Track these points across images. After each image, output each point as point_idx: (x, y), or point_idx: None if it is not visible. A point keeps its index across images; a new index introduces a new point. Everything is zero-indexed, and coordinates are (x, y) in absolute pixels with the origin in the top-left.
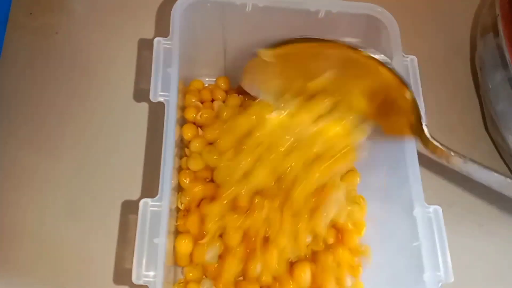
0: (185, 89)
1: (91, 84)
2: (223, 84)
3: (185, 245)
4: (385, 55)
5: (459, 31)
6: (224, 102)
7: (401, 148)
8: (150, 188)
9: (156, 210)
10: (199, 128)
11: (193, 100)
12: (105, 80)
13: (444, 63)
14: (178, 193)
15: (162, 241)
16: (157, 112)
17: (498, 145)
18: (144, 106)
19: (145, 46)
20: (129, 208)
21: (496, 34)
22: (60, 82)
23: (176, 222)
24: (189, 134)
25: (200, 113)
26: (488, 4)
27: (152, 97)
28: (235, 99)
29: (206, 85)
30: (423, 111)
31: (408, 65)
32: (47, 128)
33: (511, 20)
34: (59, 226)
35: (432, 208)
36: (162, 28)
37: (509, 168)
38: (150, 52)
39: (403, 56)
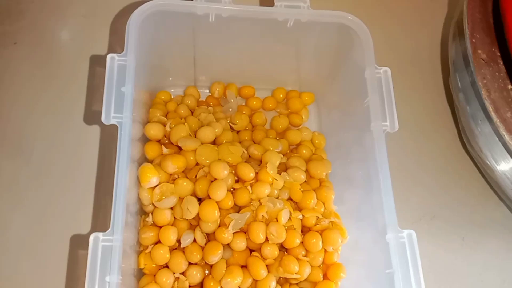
0: (150, 102)
1: (44, 102)
2: (192, 96)
3: None
4: (358, 66)
5: (431, 37)
6: (192, 114)
7: (375, 167)
8: (103, 221)
9: (107, 245)
10: (163, 146)
11: (157, 115)
12: (55, 100)
13: (414, 72)
14: (141, 219)
15: (114, 279)
16: (112, 134)
17: (470, 151)
18: (96, 129)
19: (97, 63)
20: (79, 243)
21: (463, 38)
22: (12, 100)
23: (138, 258)
24: (151, 152)
25: (168, 124)
26: (459, 10)
27: (104, 119)
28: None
29: (174, 96)
30: (396, 122)
31: (381, 77)
32: None
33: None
34: (3, 262)
35: (406, 232)
36: (118, 41)
37: (478, 169)
38: (104, 69)
39: (376, 67)
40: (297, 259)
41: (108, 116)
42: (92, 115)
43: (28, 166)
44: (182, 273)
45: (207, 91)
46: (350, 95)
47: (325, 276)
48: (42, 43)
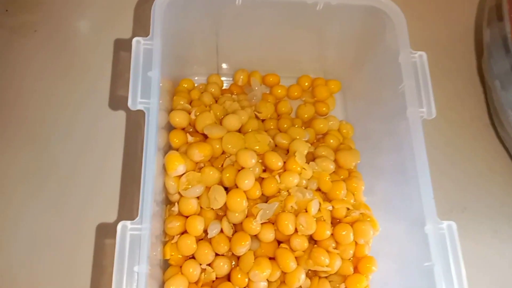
0: (173, 91)
1: (65, 89)
2: (215, 84)
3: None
4: (390, 51)
5: (463, 22)
6: (216, 102)
7: (411, 156)
8: (129, 209)
9: (136, 234)
10: (188, 134)
11: (181, 102)
12: (79, 85)
13: (448, 55)
14: (166, 209)
15: (143, 270)
16: (137, 120)
17: (503, 139)
18: (121, 114)
19: (122, 47)
20: (105, 232)
21: (501, 20)
22: (35, 87)
23: (164, 249)
24: (176, 141)
25: (193, 112)
26: None
27: (130, 105)
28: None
29: (197, 84)
30: (433, 108)
31: (417, 61)
32: (15, 140)
33: None
34: (29, 254)
35: (445, 223)
36: (142, 26)
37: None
38: (128, 54)
39: (411, 52)
40: (327, 251)
41: (135, 102)
42: (117, 101)
43: (51, 154)
44: (209, 264)
45: (231, 79)
46: (381, 82)
47: (355, 270)
48: (62, 30)
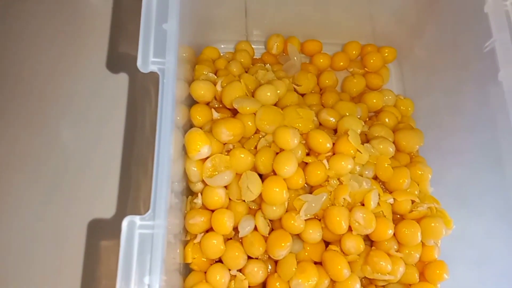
0: (195, 60)
1: (55, 40)
2: (245, 51)
3: None
4: (468, 1)
5: None
6: (247, 72)
7: (507, 131)
8: (133, 202)
9: (146, 233)
10: (213, 109)
11: (205, 72)
12: (71, 41)
13: None
14: (187, 201)
15: (156, 281)
16: (145, 87)
17: None
18: (123, 79)
19: None
20: (101, 231)
21: None
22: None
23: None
24: (199, 117)
25: (219, 83)
26: None
27: (140, 66)
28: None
29: (223, 53)
30: None
31: (509, 10)
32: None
33: None
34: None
35: None
36: None
37: None
38: (135, 1)
39: None
40: (388, 255)
41: (146, 62)
42: (118, 61)
43: (31, 126)
44: (240, 270)
45: (262, 47)
46: (454, 42)
47: (422, 277)
48: None
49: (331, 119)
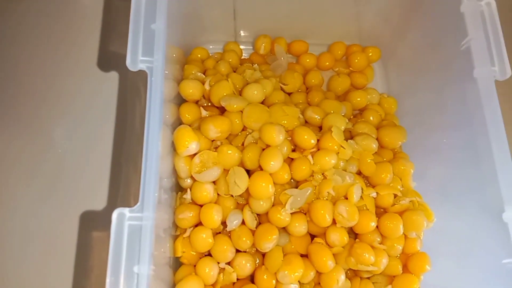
0: (184, 60)
1: (45, 46)
2: (233, 52)
3: None
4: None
5: None
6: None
7: (482, 128)
8: (124, 195)
9: (135, 224)
10: (201, 108)
11: (194, 72)
12: (61, 40)
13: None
14: (177, 196)
15: (145, 270)
16: (135, 85)
17: None
18: (114, 77)
19: None
20: (92, 222)
21: None
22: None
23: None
24: (188, 116)
25: (208, 81)
26: None
27: (129, 64)
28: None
29: (212, 54)
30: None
31: (484, 10)
32: None
33: None
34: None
35: None
36: None
37: None
38: (125, 2)
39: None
40: (372, 247)
41: (135, 60)
42: (109, 59)
43: (24, 122)
44: (228, 263)
45: (250, 47)
46: (434, 41)
47: (405, 269)
48: None
49: (316, 116)
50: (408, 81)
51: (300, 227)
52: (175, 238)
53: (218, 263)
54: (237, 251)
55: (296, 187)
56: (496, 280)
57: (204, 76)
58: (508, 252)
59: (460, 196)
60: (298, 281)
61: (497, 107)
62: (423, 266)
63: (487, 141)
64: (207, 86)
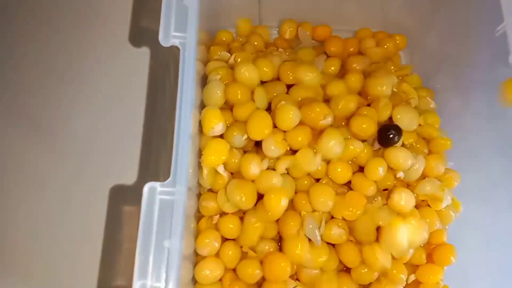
0: (209, 43)
1: (74, 18)
2: (259, 34)
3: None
4: None
5: None
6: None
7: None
8: (154, 168)
9: (168, 198)
10: None
11: (220, 53)
12: (89, 15)
13: None
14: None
15: (176, 245)
16: (165, 62)
17: None
18: (145, 53)
19: None
20: (122, 196)
21: None
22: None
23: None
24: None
25: (233, 56)
26: None
27: (162, 40)
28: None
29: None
30: None
31: None
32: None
33: None
34: (27, 227)
35: None
36: None
37: None
38: None
39: None
40: None
41: (167, 36)
42: (140, 35)
43: (59, 100)
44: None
45: (275, 32)
46: (464, 29)
47: (429, 259)
48: None
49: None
50: (435, 69)
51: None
52: (198, 219)
53: (241, 247)
54: None
55: None
56: None
57: (229, 55)
58: None
59: (488, 187)
60: None
61: None
62: (448, 258)
63: None
64: (231, 61)
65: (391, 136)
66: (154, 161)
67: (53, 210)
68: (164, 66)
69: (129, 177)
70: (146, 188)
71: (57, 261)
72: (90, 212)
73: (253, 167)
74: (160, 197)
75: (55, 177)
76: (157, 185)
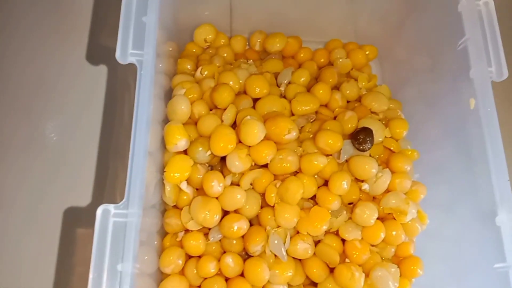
0: (178, 55)
1: (35, 38)
2: (227, 47)
3: None
4: (443, 1)
5: None
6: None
7: (477, 128)
8: (110, 189)
9: (121, 221)
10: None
11: (189, 66)
12: (50, 33)
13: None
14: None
15: (129, 268)
16: (125, 80)
17: None
18: (102, 70)
19: None
20: (76, 219)
21: None
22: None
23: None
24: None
25: (199, 69)
26: None
27: (119, 57)
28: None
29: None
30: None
31: (481, 10)
32: None
33: None
34: None
35: None
36: None
37: None
38: None
39: None
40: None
41: (125, 53)
42: (98, 53)
43: (12, 115)
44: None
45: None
46: (431, 40)
47: None
48: None
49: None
50: (404, 80)
51: None
52: (163, 236)
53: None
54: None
55: None
56: (488, 285)
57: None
58: (501, 256)
59: (453, 199)
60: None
61: (493, 109)
62: (415, 270)
63: (482, 143)
64: (198, 74)
65: (369, 139)
66: (111, 181)
67: (5, 232)
68: (123, 83)
69: (84, 199)
70: (99, 210)
71: (9, 285)
72: (43, 234)
73: (215, 185)
74: (114, 219)
75: (8, 199)
76: (111, 207)
